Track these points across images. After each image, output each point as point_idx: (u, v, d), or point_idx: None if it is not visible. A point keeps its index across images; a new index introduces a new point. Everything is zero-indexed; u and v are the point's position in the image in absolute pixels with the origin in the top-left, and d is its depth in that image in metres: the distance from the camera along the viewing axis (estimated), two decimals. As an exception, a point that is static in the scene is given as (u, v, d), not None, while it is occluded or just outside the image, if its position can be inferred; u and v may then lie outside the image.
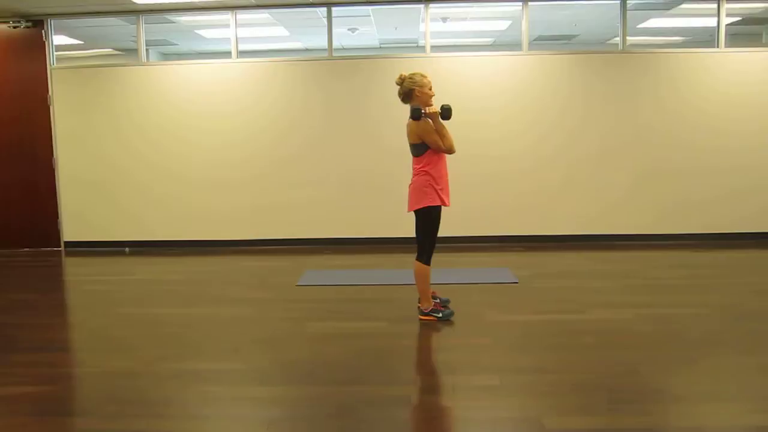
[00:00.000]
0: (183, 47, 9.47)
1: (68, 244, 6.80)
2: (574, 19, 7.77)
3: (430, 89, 3.92)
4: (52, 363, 3.46)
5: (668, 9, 7.31)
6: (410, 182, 4.00)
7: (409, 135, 3.94)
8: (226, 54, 6.57)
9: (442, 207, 3.95)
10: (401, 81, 3.94)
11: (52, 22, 6.59)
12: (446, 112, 3.88)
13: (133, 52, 6.76)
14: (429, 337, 3.81)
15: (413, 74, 3.93)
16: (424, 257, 3.94)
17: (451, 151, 3.90)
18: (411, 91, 3.91)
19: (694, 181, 6.39)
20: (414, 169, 3.98)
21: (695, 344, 3.51)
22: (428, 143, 3.88)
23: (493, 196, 6.41)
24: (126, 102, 6.57)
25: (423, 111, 3.83)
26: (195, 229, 6.67)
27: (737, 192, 6.38)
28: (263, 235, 6.63)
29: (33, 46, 6.58)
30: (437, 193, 3.90)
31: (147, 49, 6.61)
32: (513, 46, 7.04)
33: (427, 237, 3.95)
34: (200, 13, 6.76)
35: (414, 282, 4.04)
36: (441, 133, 3.87)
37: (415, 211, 3.95)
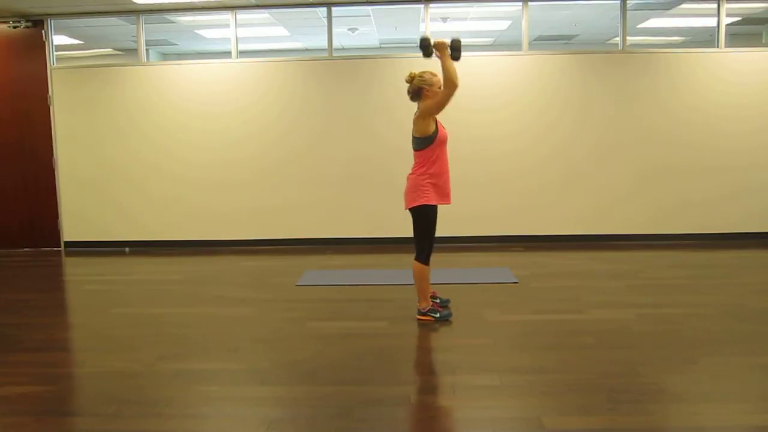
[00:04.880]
0: (183, 47, 9.48)
1: (68, 244, 6.80)
2: (574, 19, 7.77)
3: (440, 88, 3.81)
4: (52, 363, 3.46)
5: (668, 9, 7.31)
6: (407, 178, 3.95)
7: (414, 129, 3.87)
8: (226, 54, 6.57)
9: (440, 205, 3.93)
10: (411, 79, 3.89)
11: (52, 22, 6.59)
12: (456, 43, 3.68)
13: (133, 52, 6.76)
14: (429, 337, 3.81)
15: (423, 72, 3.86)
16: (423, 257, 3.92)
17: (452, 85, 3.65)
18: (420, 90, 3.85)
19: (694, 181, 6.39)
20: (414, 165, 3.94)
21: (695, 344, 3.51)
22: (437, 105, 3.74)
23: (493, 196, 6.41)
24: (126, 102, 6.57)
25: (431, 42, 3.68)
26: (195, 229, 6.67)
27: (737, 192, 6.38)
28: (263, 235, 6.63)
29: (33, 46, 6.58)
30: (434, 192, 3.86)
31: (147, 49, 6.61)
32: (513, 46, 7.04)
33: (424, 237, 3.93)
34: (200, 13, 6.76)
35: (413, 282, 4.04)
36: (444, 66, 3.69)
37: (411, 211, 3.92)
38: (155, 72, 6.56)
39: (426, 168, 3.87)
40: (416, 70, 3.92)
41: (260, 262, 6.01)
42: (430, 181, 3.86)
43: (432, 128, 3.83)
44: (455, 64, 3.72)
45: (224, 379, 3.19)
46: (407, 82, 3.92)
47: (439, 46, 3.74)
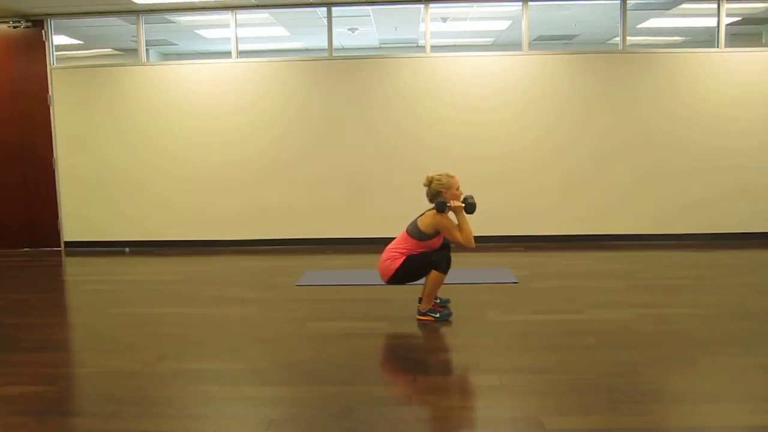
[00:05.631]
0: (183, 47, 9.48)
1: (68, 244, 6.80)
2: (574, 19, 7.77)
3: (458, 189, 3.93)
4: (52, 363, 3.45)
5: (668, 9, 7.31)
6: (385, 255, 3.98)
7: (422, 221, 3.92)
8: (226, 54, 6.57)
9: None
10: (429, 183, 3.95)
11: (52, 22, 6.59)
12: (470, 207, 3.90)
13: (133, 52, 6.77)
14: (429, 337, 3.81)
15: (440, 176, 3.92)
16: (441, 269, 3.91)
17: (470, 244, 3.88)
18: (439, 193, 3.91)
19: (694, 182, 6.39)
20: (398, 245, 3.97)
21: (695, 344, 3.51)
22: (448, 237, 3.92)
23: (494, 196, 6.40)
24: (126, 102, 6.57)
25: (448, 204, 3.86)
26: (195, 229, 6.67)
27: (737, 192, 6.38)
28: (263, 235, 6.63)
29: (33, 46, 6.58)
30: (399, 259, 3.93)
31: (147, 49, 6.61)
32: (513, 46, 7.04)
33: (427, 264, 3.92)
34: (200, 13, 6.76)
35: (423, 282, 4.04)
36: (462, 226, 3.89)
37: (394, 275, 3.95)
38: (155, 72, 6.56)
39: (407, 252, 3.93)
40: (431, 173, 3.96)
41: (260, 262, 6.01)
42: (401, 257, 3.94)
43: (431, 233, 3.91)
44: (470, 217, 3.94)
45: (224, 379, 3.19)
46: (425, 186, 3.97)
47: (456, 210, 3.90)
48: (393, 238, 6.29)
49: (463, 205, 3.91)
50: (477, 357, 3.40)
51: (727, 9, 6.26)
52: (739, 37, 8.26)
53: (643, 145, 6.38)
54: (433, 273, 3.91)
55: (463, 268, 5.43)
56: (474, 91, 6.36)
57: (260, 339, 3.79)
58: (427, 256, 3.93)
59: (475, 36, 9.09)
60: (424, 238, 3.92)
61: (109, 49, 9.27)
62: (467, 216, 3.94)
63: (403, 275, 3.95)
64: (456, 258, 5.82)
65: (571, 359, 3.32)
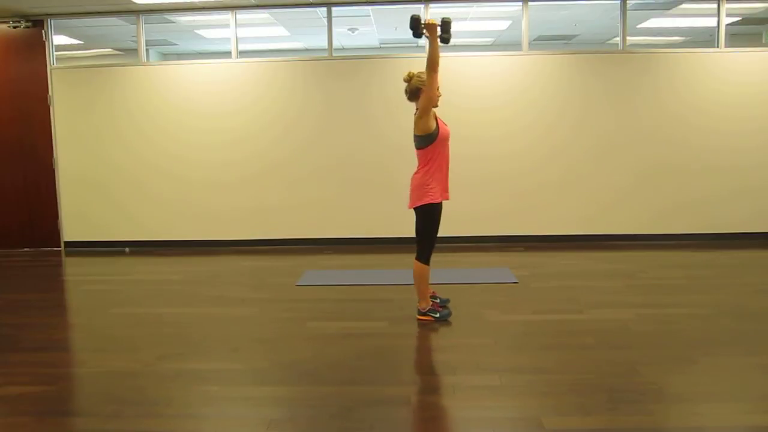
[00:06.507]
0: (183, 47, 9.48)
1: (68, 244, 6.80)
2: (574, 19, 7.77)
3: (438, 88, 3.85)
4: (52, 363, 3.46)
5: (668, 9, 7.31)
6: (412, 178, 3.94)
7: (415, 126, 3.86)
8: (226, 54, 6.57)
9: (443, 203, 3.93)
10: (409, 78, 3.88)
11: (52, 22, 6.59)
12: (446, 26, 3.70)
13: (133, 52, 6.77)
14: (429, 337, 3.81)
15: (421, 72, 3.85)
16: (424, 257, 3.92)
17: (435, 62, 3.71)
18: (419, 90, 3.84)
19: (694, 181, 6.39)
20: (418, 164, 3.92)
21: (695, 344, 3.51)
22: (428, 89, 3.74)
23: (493, 196, 6.41)
24: (126, 102, 6.57)
25: (422, 21, 3.69)
26: (195, 229, 6.67)
27: (737, 192, 6.38)
28: (263, 235, 6.63)
29: (33, 46, 6.58)
30: (438, 191, 3.86)
31: (147, 49, 6.61)
32: (513, 46, 7.04)
33: (426, 236, 3.92)
34: (200, 13, 6.75)
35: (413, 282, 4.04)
36: (431, 47, 3.72)
37: (416, 209, 3.91)
38: (155, 72, 6.56)
39: (429, 166, 3.85)
40: (414, 70, 3.91)
41: (260, 262, 6.01)
42: (434, 178, 3.85)
43: (433, 126, 3.82)
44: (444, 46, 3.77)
45: (224, 379, 3.19)
46: (405, 81, 3.91)
47: (430, 27, 3.72)
48: (393, 238, 6.37)
49: (439, 24, 3.68)
50: (477, 357, 3.40)
51: (727, 9, 6.26)
52: (739, 37, 8.26)
53: (643, 144, 6.37)
54: (416, 266, 3.91)
55: (463, 268, 5.44)
56: (474, 91, 6.36)
57: (260, 339, 3.79)
58: (434, 234, 3.89)
59: (475, 36, 9.09)
60: (427, 141, 3.82)
61: (109, 49, 9.27)
62: (441, 45, 3.75)
63: (419, 213, 3.87)
64: (456, 258, 5.81)
65: (570, 359, 3.32)
